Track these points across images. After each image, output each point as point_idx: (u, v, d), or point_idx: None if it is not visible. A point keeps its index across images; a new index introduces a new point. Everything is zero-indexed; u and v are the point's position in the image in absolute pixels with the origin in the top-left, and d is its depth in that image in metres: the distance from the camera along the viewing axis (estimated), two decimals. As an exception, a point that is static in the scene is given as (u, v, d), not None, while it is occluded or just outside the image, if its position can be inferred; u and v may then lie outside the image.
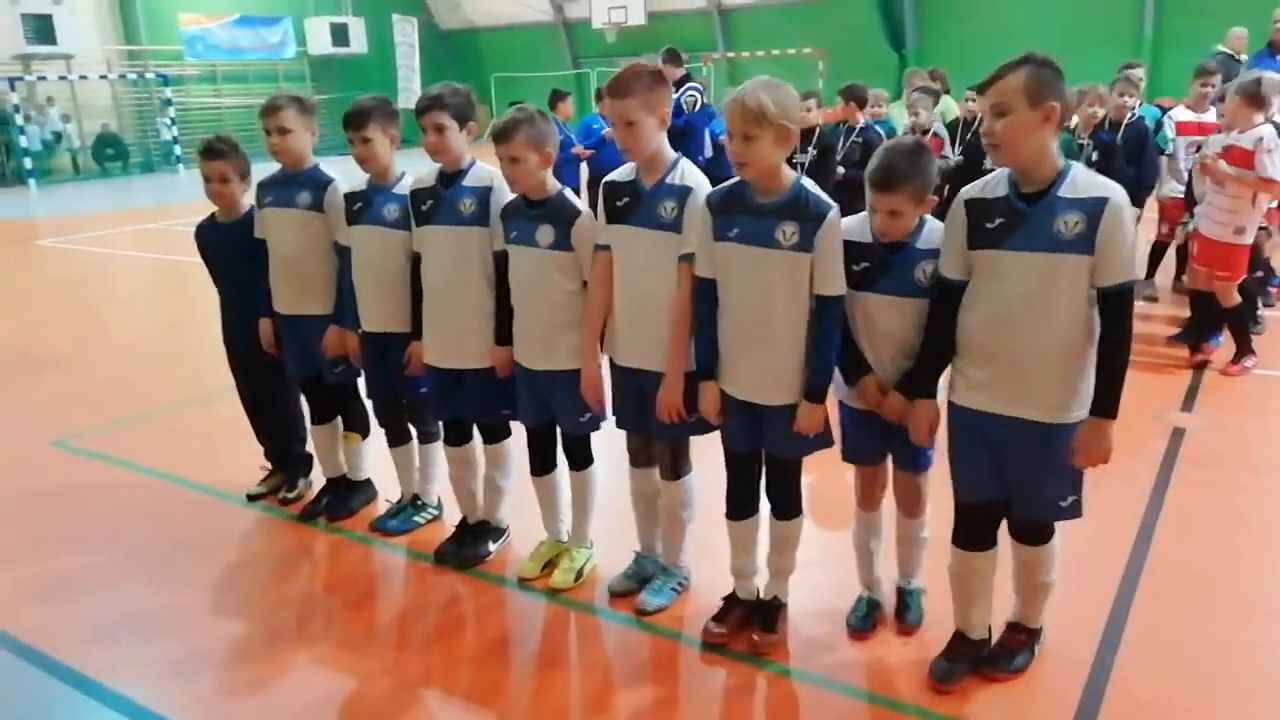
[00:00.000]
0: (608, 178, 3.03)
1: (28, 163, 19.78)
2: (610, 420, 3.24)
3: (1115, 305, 2.39)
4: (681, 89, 8.28)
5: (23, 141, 19.77)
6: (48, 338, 7.64)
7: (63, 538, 3.95)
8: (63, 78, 21.31)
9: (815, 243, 2.62)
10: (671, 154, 2.93)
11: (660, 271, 2.88)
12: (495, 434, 3.53)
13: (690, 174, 2.90)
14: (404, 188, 3.48)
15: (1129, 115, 6.65)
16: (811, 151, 7.02)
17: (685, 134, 7.81)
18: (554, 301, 3.12)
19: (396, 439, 3.90)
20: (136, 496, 4.34)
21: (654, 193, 2.88)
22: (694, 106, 8.30)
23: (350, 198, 3.58)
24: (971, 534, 2.71)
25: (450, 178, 3.31)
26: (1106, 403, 2.43)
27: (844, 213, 2.70)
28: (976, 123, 7.60)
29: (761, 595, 3.07)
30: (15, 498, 4.40)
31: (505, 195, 3.22)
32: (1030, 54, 2.38)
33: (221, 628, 3.27)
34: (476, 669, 3.00)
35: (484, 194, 3.25)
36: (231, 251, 3.90)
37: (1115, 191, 2.35)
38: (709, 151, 8.27)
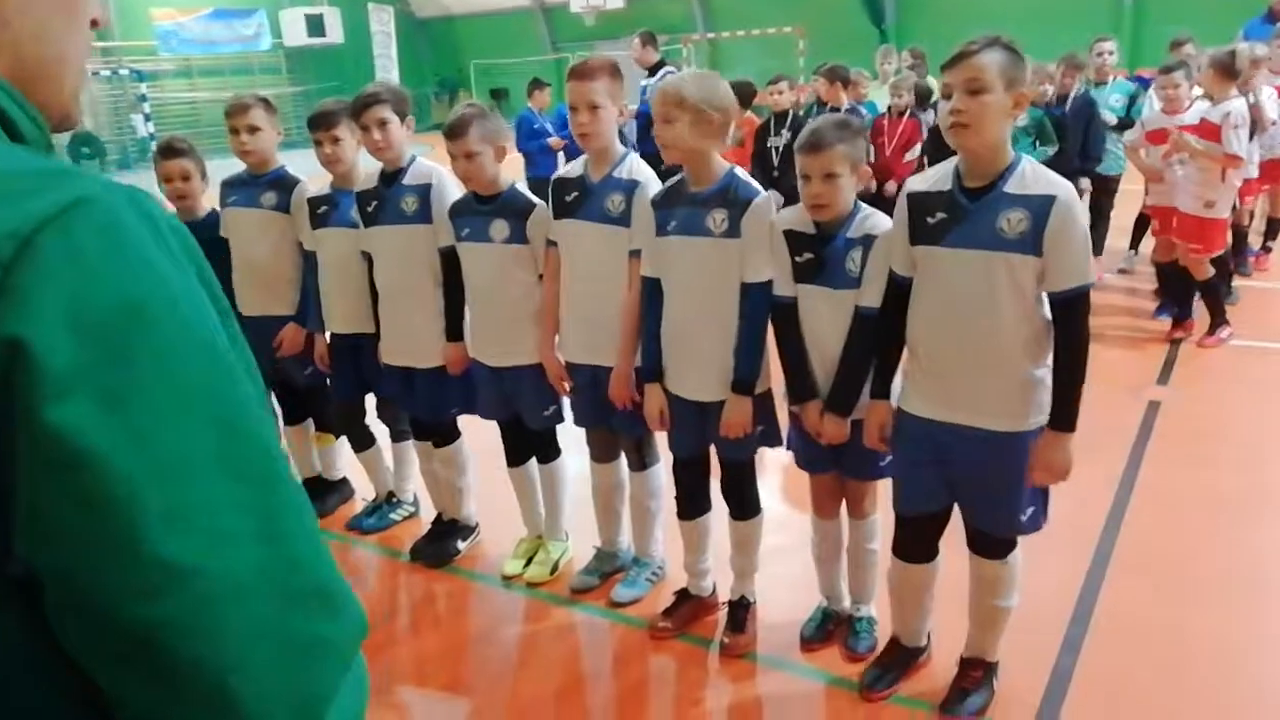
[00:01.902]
0: (556, 174, 3.02)
1: (2, 163, 19.58)
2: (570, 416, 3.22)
3: (1068, 311, 2.24)
4: (660, 74, 8.13)
5: (-4, 142, 19.57)
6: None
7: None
8: (35, 76, 21.08)
9: (742, 228, 2.60)
10: (621, 148, 2.92)
11: (608, 266, 2.87)
12: (444, 437, 3.49)
13: (638, 168, 2.88)
14: None
15: (1074, 89, 6.71)
16: (785, 134, 6.94)
17: None
18: (513, 296, 3.10)
19: (359, 444, 3.89)
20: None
21: (602, 186, 2.87)
22: None
23: (315, 201, 3.54)
24: (910, 545, 2.58)
25: (391, 177, 3.28)
26: (1063, 415, 2.27)
27: None
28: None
29: (730, 596, 3.03)
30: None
31: (446, 191, 3.20)
32: (998, 37, 2.26)
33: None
34: (452, 663, 3.01)
35: (424, 191, 3.21)
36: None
37: (1064, 189, 2.22)
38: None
